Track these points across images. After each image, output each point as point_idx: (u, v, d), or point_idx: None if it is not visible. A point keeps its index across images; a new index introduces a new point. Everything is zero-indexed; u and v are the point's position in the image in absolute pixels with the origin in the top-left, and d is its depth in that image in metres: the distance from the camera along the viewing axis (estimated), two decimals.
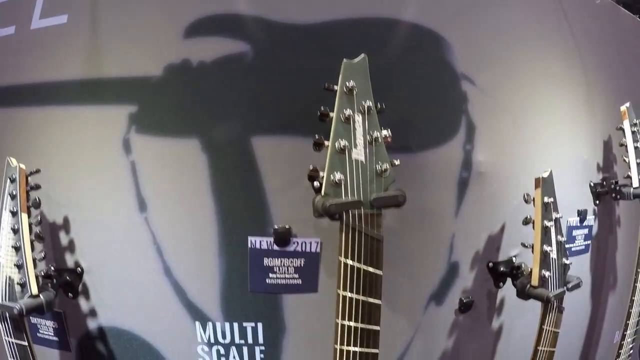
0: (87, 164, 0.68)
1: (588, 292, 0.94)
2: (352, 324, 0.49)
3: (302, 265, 0.65)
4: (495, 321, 0.80)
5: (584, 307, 0.96)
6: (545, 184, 0.66)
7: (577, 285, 0.66)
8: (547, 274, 0.64)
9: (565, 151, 0.85)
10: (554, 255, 0.66)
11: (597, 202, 0.90)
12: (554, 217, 0.66)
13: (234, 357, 0.69)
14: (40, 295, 0.59)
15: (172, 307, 0.67)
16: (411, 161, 0.68)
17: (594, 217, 0.89)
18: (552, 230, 0.66)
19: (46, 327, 0.75)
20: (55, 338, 0.75)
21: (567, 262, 0.67)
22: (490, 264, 0.76)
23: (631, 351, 0.98)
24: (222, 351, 0.69)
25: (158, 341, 0.69)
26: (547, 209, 0.66)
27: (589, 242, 0.90)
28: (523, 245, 0.68)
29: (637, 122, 0.83)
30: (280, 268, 0.64)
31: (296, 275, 0.65)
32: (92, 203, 0.68)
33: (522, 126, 0.79)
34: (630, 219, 0.98)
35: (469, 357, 0.80)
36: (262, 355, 0.68)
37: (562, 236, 0.67)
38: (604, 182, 0.89)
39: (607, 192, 0.88)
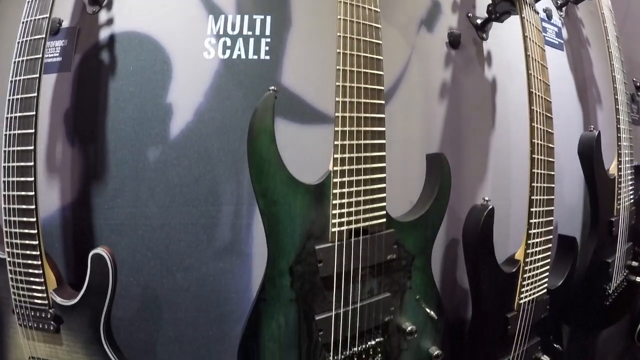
0: None
1: (574, 91, 0.98)
2: None
3: None
4: (487, 70, 0.83)
5: (576, 111, 0.98)
6: None
7: None
8: None
9: None
10: None
11: (561, 14, 1.03)
12: None
13: (239, 49, 0.71)
14: None
15: (191, 4, 0.71)
16: None
17: (560, 21, 1.01)
18: None
19: (53, 49, 0.76)
20: (59, 59, 0.75)
21: None
22: (469, 14, 0.84)
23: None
24: (228, 43, 0.71)
25: (169, 40, 0.71)
26: None
27: (562, 40, 1.00)
28: None
29: None
30: None
31: None
32: None
33: None
34: (599, 45, 1.07)
35: (468, 97, 0.81)
36: (267, 48, 0.70)
37: None
38: None
39: (567, 2, 1.02)
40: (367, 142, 0.54)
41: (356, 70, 0.54)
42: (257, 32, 0.71)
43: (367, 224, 0.55)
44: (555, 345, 0.81)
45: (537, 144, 0.68)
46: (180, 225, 0.70)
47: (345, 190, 0.53)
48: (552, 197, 0.71)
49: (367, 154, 0.54)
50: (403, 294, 0.60)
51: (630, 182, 0.91)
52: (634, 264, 0.92)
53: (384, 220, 0.57)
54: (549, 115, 0.71)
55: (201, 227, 0.70)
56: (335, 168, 0.53)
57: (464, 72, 0.81)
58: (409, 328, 0.59)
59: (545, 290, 0.74)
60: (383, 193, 0.56)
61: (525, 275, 0.70)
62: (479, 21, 0.84)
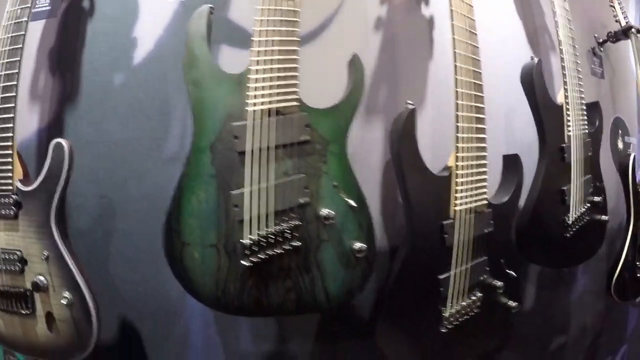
0: None
1: (524, 38, 1.01)
2: None
3: None
4: (424, 9, 0.88)
5: (527, 56, 0.96)
6: None
7: None
8: None
9: None
10: None
11: None
12: None
13: None
14: None
15: None
16: None
17: None
18: None
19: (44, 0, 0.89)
20: (48, 8, 0.89)
21: None
22: None
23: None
24: None
25: None
26: None
27: None
28: None
29: None
30: None
31: None
32: None
33: None
34: None
35: (405, 31, 0.86)
36: None
37: None
38: None
39: None
40: (282, 38, 0.62)
41: None
42: None
43: (280, 105, 0.61)
44: (507, 270, 0.78)
45: (460, 32, 0.69)
46: (136, 138, 0.78)
47: (262, 75, 0.61)
48: (482, 105, 0.73)
49: (282, 48, 0.62)
50: (319, 178, 0.63)
51: (582, 114, 0.90)
52: (597, 199, 0.89)
53: (296, 103, 0.62)
54: (473, 31, 0.75)
55: (154, 139, 0.77)
56: (253, 58, 0.62)
57: (400, 10, 0.87)
58: (326, 212, 0.62)
59: (485, 201, 0.74)
60: (295, 80, 0.62)
61: (458, 180, 0.70)
62: None
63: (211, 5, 0.64)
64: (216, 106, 0.61)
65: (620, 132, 1.22)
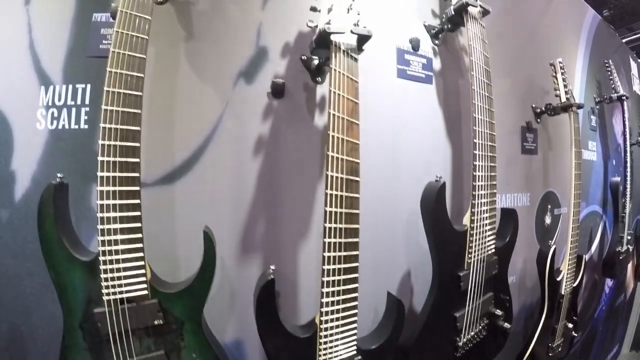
0: None
1: (442, 129, 0.91)
2: None
3: None
4: (317, 117, 0.80)
5: (442, 150, 0.92)
6: None
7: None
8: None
9: None
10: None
11: (437, 42, 0.94)
12: None
13: (64, 119, 0.78)
14: None
15: (26, 73, 0.78)
16: None
17: (432, 51, 0.93)
18: None
19: None
20: None
21: None
22: (304, 57, 0.80)
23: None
24: (55, 113, 0.78)
25: (11, 112, 0.78)
26: None
27: (430, 73, 0.92)
28: None
29: None
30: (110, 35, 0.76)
31: None
32: None
33: None
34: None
35: (291, 148, 0.80)
36: (86, 117, 0.77)
37: None
38: (439, 23, 0.93)
39: (442, 30, 0.92)
40: (124, 225, 0.62)
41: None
42: (79, 102, 0.77)
43: (131, 295, 0.63)
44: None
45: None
46: (29, 274, 0.80)
47: (109, 267, 0.62)
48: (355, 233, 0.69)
49: (127, 237, 0.62)
50: (179, 352, 0.66)
51: (491, 234, 0.83)
52: (498, 312, 0.86)
53: (146, 292, 0.64)
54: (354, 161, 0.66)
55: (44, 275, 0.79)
56: (100, 248, 0.62)
57: (287, 123, 0.79)
58: None
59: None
60: (142, 269, 0.63)
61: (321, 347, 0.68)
62: (316, 62, 0.79)
63: (59, 176, 0.64)
64: (75, 290, 0.64)
65: (549, 206, 1.13)
